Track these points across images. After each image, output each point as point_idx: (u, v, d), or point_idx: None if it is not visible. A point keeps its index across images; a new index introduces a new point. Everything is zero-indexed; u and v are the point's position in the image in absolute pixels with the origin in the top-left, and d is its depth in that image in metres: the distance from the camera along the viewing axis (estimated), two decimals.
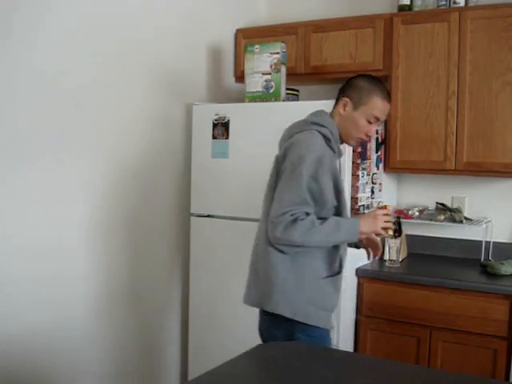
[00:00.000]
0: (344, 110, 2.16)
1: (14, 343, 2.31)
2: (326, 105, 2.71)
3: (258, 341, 2.12)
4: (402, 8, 3.10)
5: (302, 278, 2.08)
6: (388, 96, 2.19)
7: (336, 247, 2.12)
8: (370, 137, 2.23)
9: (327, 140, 2.09)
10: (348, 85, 2.20)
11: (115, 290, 2.78)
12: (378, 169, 3.07)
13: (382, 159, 3.12)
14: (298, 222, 1.97)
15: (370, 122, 2.14)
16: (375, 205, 3.07)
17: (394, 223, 2.42)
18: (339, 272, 2.16)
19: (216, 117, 3.02)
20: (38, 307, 2.40)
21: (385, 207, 2.19)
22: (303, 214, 2.00)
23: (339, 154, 2.20)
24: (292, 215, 1.98)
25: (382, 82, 2.21)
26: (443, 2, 3.00)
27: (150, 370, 3.02)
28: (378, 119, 2.15)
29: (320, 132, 2.09)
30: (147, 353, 2.99)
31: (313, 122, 2.12)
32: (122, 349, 2.83)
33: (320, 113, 2.19)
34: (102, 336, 2.73)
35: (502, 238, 3.11)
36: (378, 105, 2.13)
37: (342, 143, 2.22)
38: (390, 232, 2.18)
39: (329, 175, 2.05)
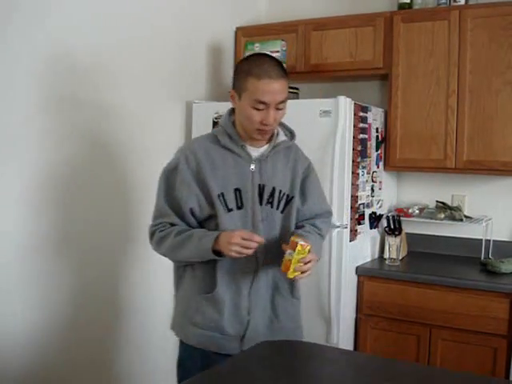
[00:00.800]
0: (234, 102, 1.90)
1: None
2: (326, 103, 2.73)
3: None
4: (402, 6, 3.09)
5: (182, 291, 2.00)
6: (272, 71, 1.78)
7: (211, 263, 1.88)
8: (268, 125, 1.83)
9: (216, 141, 1.91)
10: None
11: (114, 288, 2.78)
12: (378, 167, 3.07)
13: (382, 157, 3.12)
14: (156, 234, 1.91)
15: (258, 109, 1.80)
16: (375, 204, 3.07)
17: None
18: (212, 291, 1.90)
19: (216, 115, 3.02)
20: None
21: (293, 241, 1.78)
22: (165, 225, 1.91)
23: (247, 152, 1.91)
24: (153, 226, 1.94)
25: (262, 57, 1.85)
26: (443, 1, 2.99)
27: (150, 371, 3.02)
28: (264, 103, 1.79)
29: (213, 133, 1.97)
30: (147, 353, 2.99)
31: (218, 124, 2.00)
32: (121, 349, 2.83)
33: (226, 111, 1.99)
34: (100, 337, 2.73)
35: (502, 237, 3.11)
36: (255, 86, 1.78)
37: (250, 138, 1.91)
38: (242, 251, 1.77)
39: (191, 181, 1.88)
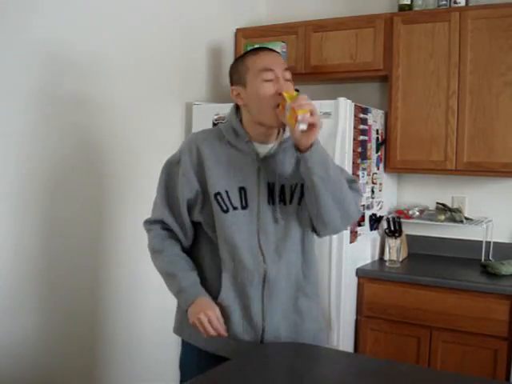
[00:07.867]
0: (240, 98, 1.81)
1: None
2: (326, 104, 2.72)
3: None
4: (402, 8, 3.09)
5: None
6: (266, 49, 1.84)
7: (215, 268, 1.83)
8: (280, 93, 1.71)
9: (222, 136, 1.82)
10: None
11: (115, 287, 2.78)
12: (378, 169, 3.07)
13: (382, 159, 3.11)
14: (149, 236, 1.90)
15: (268, 80, 1.74)
16: (375, 205, 3.06)
17: None
18: (217, 295, 1.82)
19: (216, 116, 3.02)
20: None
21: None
22: (157, 230, 1.87)
23: (253, 149, 1.80)
24: (148, 223, 1.91)
25: (254, 48, 1.89)
26: (444, 2, 2.99)
27: (150, 371, 3.01)
28: (271, 70, 1.74)
29: (219, 128, 1.87)
30: (146, 353, 2.98)
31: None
32: (121, 348, 2.83)
33: (231, 108, 1.90)
34: (103, 337, 2.73)
35: (502, 238, 3.10)
36: (255, 60, 1.78)
37: (267, 132, 1.80)
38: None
39: (192, 175, 1.80)
